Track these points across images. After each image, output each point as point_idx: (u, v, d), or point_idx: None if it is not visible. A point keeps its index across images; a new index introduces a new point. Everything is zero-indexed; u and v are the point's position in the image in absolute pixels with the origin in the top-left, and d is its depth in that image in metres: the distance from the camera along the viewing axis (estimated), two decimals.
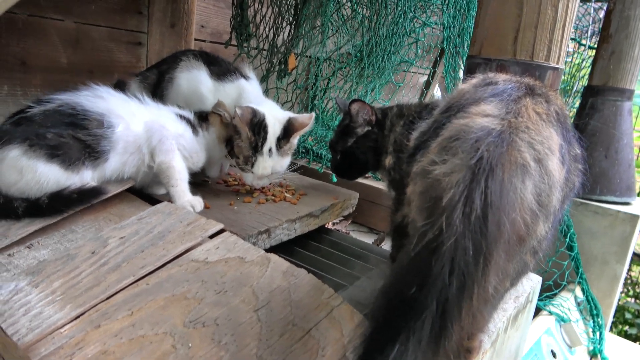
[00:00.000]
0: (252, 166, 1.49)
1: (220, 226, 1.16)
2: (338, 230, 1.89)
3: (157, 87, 1.71)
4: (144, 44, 2.62)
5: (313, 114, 1.57)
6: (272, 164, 1.50)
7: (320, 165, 2.11)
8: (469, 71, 1.53)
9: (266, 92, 2.47)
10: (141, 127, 1.32)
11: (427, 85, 3.62)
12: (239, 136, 1.47)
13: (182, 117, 1.46)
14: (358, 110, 1.48)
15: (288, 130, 1.51)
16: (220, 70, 1.69)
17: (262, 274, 1.02)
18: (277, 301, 0.95)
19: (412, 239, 0.71)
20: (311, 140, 2.40)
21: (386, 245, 1.83)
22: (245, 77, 1.73)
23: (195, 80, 1.63)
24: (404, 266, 0.70)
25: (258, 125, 1.46)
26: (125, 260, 1.03)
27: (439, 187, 0.72)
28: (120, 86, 1.88)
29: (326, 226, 1.68)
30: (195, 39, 2.81)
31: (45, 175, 1.16)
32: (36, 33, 2.22)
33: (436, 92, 3.90)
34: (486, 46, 1.46)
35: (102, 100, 1.29)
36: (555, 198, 0.77)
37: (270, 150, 1.49)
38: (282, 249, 1.42)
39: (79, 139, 1.20)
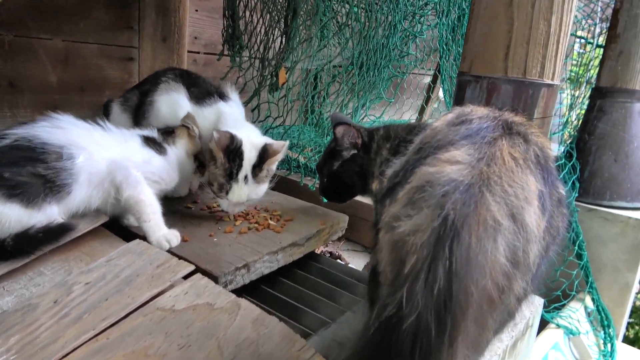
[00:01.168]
0: (227, 193, 1.43)
1: (191, 268, 1.10)
2: (330, 253, 1.82)
3: (139, 110, 1.66)
4: (135, 59, 2.58)
5: (287, 142, 1.51)
6: (247, 191, 1.44)
7: (312, 182, 2.04)
8: (459, 89, 1.45)
9: (258, 107, 2.42)
10: (104, 161, 1.27)
11: (430, 89, 3.53)
12: (214, 162, 1.42)
13: (146, 138, 1.41)
14: (343, 133, 1.42)
15: (262, 157, 1.46)
16: (200, 92, 1.64)
17: (231, 323, 0.96)
18: (244, 356, 0.89)
19: (375, 307, 0.65)
20: (309, 151, 2.34)
21: None
22: (226, 98, 1.68)
23: (175, 104, 1.58)
24: (366, 340, 0.64)
25: (234, 151, 1.41)
26: (88, 310, 0.97)
27: (403, 248, 0.65)
28: (107, 108, 1.85)
29: (316, 250, 1.62)
30: (189, 51, 2.76)
31: (5, 215, 1.12)
32: (24, 53, 2.19)
33: (441, 95, 3.81)
34: (476, 63, 1.38)
35: (61, 131, 1.23)
36: (534, 252, 0.70)
37: (245, 177, 1.44)
38: (265, 279, 1.36)
39: (38, 174, 1.15)
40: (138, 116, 1.66)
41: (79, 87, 2.43)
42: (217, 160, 1.41)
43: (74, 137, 1.23)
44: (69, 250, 1.22)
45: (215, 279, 1.18)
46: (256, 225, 1.49)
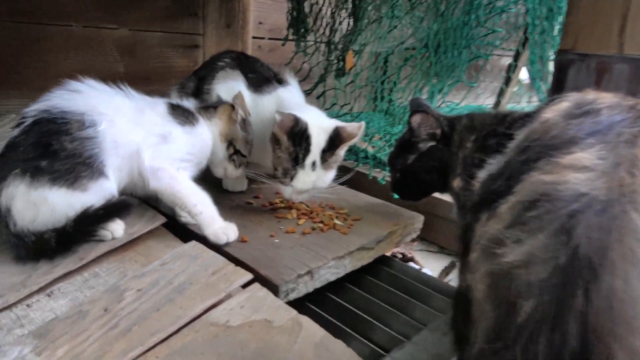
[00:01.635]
0: (292, 179, 1.31)
1: (248, 277, 0.99)
2: (401, 255, 1.66)
3: (196, 97, 1.57)
4: (200, 46, 2.53)
5: (363, 123, 1.37)
6: (314, 178, 1.32)
7: (382, 174, 1.88)
8: (560, 70, 1.22)
9: (323, 94, 2.28)
10: (126, 130, 1.16)
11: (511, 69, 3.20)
12: (279, 146, 1.32)
13: (174, 107, 1.29)
14: (420, 122, 1.25)
15: (334, 141, 1.33)
16: (258, 79, 1.53)
17: (290, 346, 0.84)
18: None
19: (467, 351, 0.50)
20: (378, 139, 2.17)
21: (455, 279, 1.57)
22: (284, 83, 1.55)
23: (231, 93, 1.48)
24: None
25: (299, 135, 1.29)
26: (138, 321, 0.89)
27: (511, 285, 0.49)
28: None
29: (387, 252, 1.47)
30: (253, 37, 2.67)
31: (51, 202, 1.05)
32: (92, 44, 2.20)
33: (523, 77, 3.47)
34: (582, 39, 1.16)
35: (79, 96, 1.13)
36: None
37: (313, 163, 1.31)
38: (329, 284, 1.23)
39: (65, 148, 1.06)
40: None
41: (145, 77, 2.42)
42: (282, 144, 1.30)
43: (94, 102, 1.13)
44: (124, 250, 1.16)
45: (275, 288, 1.07)
46: (321, 225, 1.36)
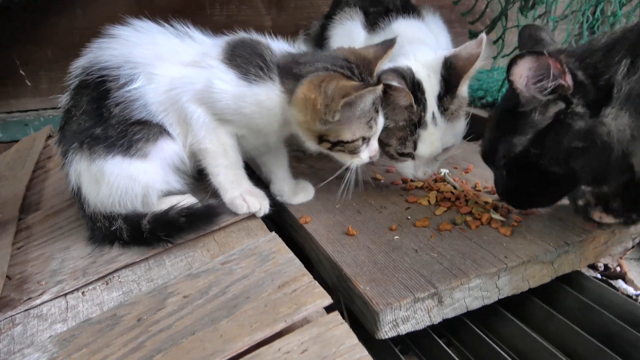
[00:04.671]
0: (415, 148, 0.94)
1: (325, 302, 0.65)
2: (603, 268, 1.10)
3: (320, 41, 1.24)
4: None
5: (483, 36, 0.89)
6: (439, 135, 0.94)
7: None
8: None
9: (502, 37, 1.71)
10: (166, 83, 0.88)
11: None
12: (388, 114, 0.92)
13: (235, 51, 0.90)
14: (529, 74, 0.70)
15: (450, 77, 0.92)
16: (378, 13, 1.11)
17: None
18: None
19: None
20: None
21: None
22: (411, 13, 1.11)
23: (348, 38, 1.10)
24: None
25: (412, 87, 0.90)
26: (163, 348, 0.64)
27: None
28: None
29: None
30: None
31: (112, 173, 0.87)
32: None
33: None
34: None
35: (117, 44, 0.89)
36: None
37: (433, 116, 0.93)
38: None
39: (112, 112, 0.86)
40: (321, 48, 1.25)
41: (293, 30, 2.18)
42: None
43: (130, 50, 0.88)
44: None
45: (372, 316, 0.70)
46: (469, 218, 0.92)
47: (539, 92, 0.71)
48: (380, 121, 0.88)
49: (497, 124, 0.81)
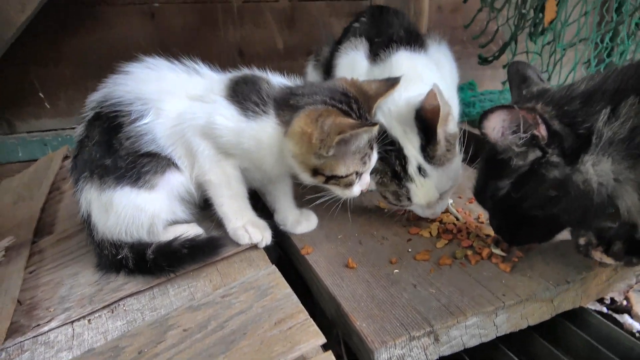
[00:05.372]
0: (410, 199, 0.95)
1: (319, 341, 0.66)
2: (611, 301, 1.08)
3: (329, 68, 1.26)
4: None
5: (435, 88, 0.87)
6: (433, 183, 0.93)
7: None
8: None
9: (513, 59, 1.72)
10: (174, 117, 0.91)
11: None
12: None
13: (237, 87, 0.92)
14: (504, 125, 0.72)
15: (425, 128, 0.91)
16: (382, 43, 1.11)
17: None
18: None
19: None
20: None
21: None
22: (413, 45, 1.09)
23: (350, 69, 1.11)
24: None
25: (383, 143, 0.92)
26: None
27: None
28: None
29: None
30: None
31: (120, 203, 0.90)
32: (252, 18, 2.08)
33: None
34: None
35: (129, 80, 0.93)
36: None
37: (419, 168, 0.93)
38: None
39: (123, 144, 0.89)
40: (329, 77, 1.26)
41: (306, 51, 2.22)
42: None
43: (141, 87, 0.91)
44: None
45: (367, 355, 0.71)
46: (469, 252, 0.92)
47: (514, 143, 0.73)
48: (374, 157, 0.89)
49: (484, 167, 0.83)
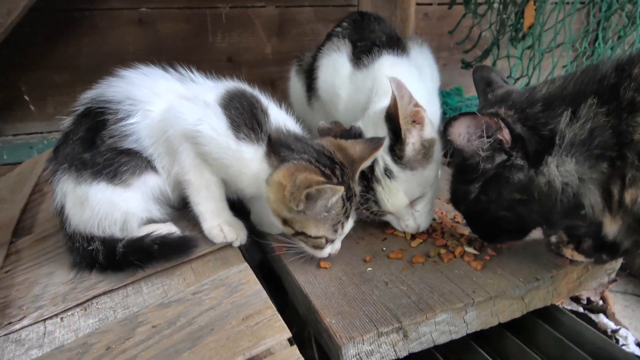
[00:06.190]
0: (377, 204, 0.94)
1: (284, 335, 0.66)
2: (587, 301, 1.09)
3: (310, 76, 1.27)
4: None
5: (396, 81, 0.86)
6: (401, 187, 0.91)
7: None
8: None
9: (494, 64, 1.74)
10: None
11: None
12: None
13: (231, 103, 0.90)
14: (469, 131, 0.74)
15: (394, 127, 0.89)
16: (365, 48, 1.12)
17: None
18: None
19: None
20: None
21: None
22: (396, 49, 1.10)
23: (332, 70, 1.12)
24: None
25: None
26: None
27: None
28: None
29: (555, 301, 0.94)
30: (418, 4, 2.24)
31: (96, 198, 0.90)
32: (240, 25, 2.09)
33: None
34: None
35: (122, 82, 0.94)
36: None
37: (386, 170, 0.91)
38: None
39: (105, 142, 0.91)
40: (311, 87, 1.27)
41: (294, 57, 2.23)
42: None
43: (132, 89, 0.92)
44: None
45: (336, 350, 0.71)
46: (442, 250, 0.93)
47: (480, 147, 0.74)
48: (348, 227, 0.88)
49: (455, 172, 0.85)
